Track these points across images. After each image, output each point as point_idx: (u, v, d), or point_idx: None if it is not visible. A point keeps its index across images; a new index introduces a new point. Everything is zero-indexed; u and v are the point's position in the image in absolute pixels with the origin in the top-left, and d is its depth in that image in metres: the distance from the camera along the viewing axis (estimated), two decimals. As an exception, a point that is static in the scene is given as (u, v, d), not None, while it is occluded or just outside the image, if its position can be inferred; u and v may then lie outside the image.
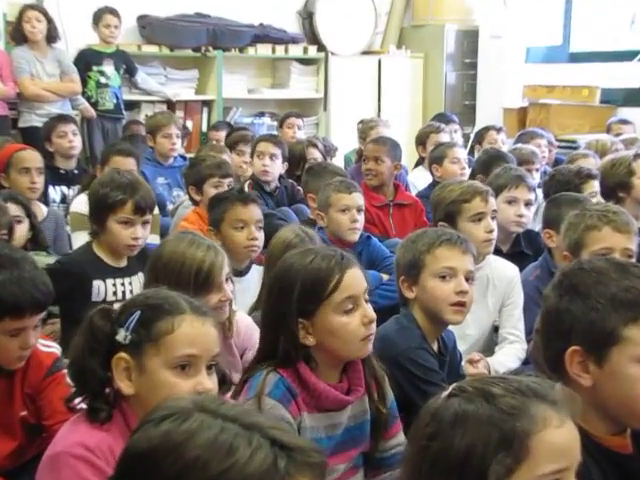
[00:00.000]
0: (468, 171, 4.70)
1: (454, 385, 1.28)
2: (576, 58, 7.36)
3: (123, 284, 3.09)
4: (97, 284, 3.05)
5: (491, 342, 3.13)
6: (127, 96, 6.69)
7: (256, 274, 3.19)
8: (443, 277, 2.42)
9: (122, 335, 1.70)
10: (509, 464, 1.18)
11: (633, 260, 2.70)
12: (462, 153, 4.89)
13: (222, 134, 5.97)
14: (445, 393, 1.27)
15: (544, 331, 1.67)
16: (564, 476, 1.21)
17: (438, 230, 2.57)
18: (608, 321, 1.54)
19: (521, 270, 3.21)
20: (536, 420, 1.20)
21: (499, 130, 5.59)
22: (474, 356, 2.89)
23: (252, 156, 4.76)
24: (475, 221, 3.09)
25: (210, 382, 1.70)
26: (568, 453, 1.22)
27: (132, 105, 6.86)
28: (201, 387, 1.67)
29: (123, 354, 1.69)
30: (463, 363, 2.74)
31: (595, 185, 3.66)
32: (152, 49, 6.96)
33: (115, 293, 3.07)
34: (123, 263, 3.12)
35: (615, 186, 3.93)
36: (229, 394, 1.95)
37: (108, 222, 3.01)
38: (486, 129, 5.60)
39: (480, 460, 1.19)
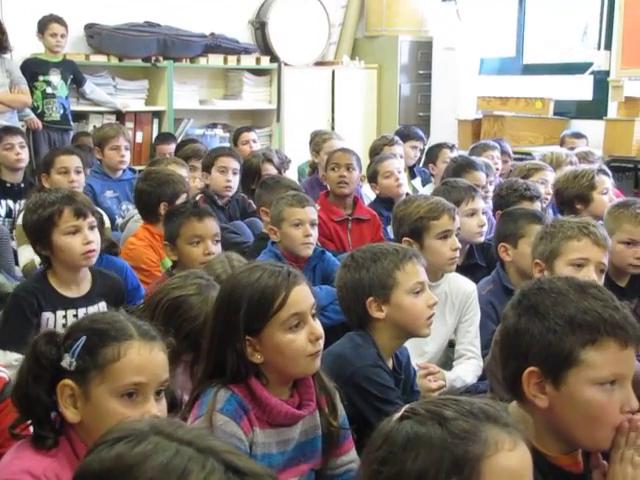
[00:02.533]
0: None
1: (406, 407, 1.27)
2: (529, 70, 7.40)
3: (76, 315, 2.90)
4: (46, 316, 2.90)
5: (447, 358, 3.12)
6: (75, 107, 6.57)
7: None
8: (416, 293, 2.41)
9: (67, 361, 1.66)
10: None
11: (604, 275, 2.76)
12: (394, 165, 4.77)
13: (172, 147, 5.86)
14: (397, 415, 1.26)
15: (502, 350, 1.67)
16: None
17: (391, 246, 2.51)
18: (566, 343, 1.54)
19: (475, 281, 3.21)
20: (488, 444, 1.20)
21: (452, 148, 5.54)
22: (432, 369, 2.86)
23: (207, 169, 4.67)
24: (442, 238, 3.08)
25: (158, 409, 1.66)
26: (520, 476, 1.22)
27: (80, 116, 6.73)
28: (149, 416, 1.61)
29: (68, 381, 1.66)
30: (419, 376, 2.72)
31: (538, 206, 3.66)
32: (100, 59, 6.85)
33: (65, 325, 2.86)
34: (81, 292, 2.96)
35: (574, 198, 3.95)
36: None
37: (54, 238, 2.86)
38: (439, 147, 5.54)
39: None
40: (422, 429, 1.21)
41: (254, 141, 6.19)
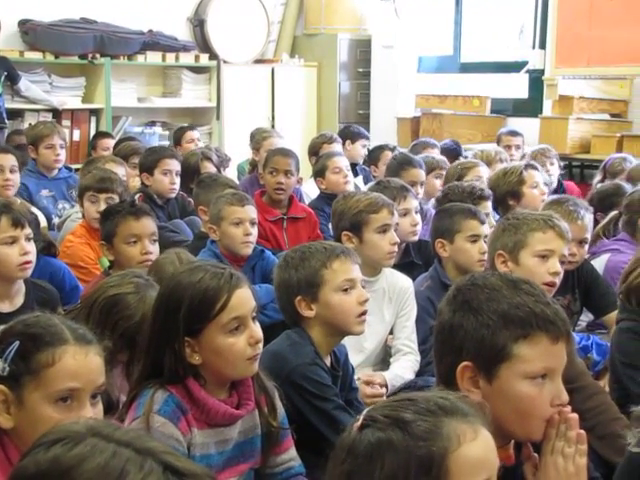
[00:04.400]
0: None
1: (364, 415, 1.27)
2: (467, 68, 7.49)
3: None
4: None
5: (385, 353, 3.14)
6: (10, 104, 6.45)
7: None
8: (345, 290, 2.40)
9: (0, 367, 1.62)
10: None
11: (563, 266, 2.79)
12: (343, 162, 4.85)
13: (109, 144, 5.79)
14: (356, 425, 1.25)
15: (437, 345, 1.69)
16: None
17: (322, 244, 2.52)
18: (499, 338, 1.56)
19: (412, 279, 3.22)
20: (450, 439, 1.21)
21: (393, 149, 5.57)
22: (373, 379, 2.87)
23: (148, 171, 4.61)
24: (381, 232, 3.11)
25: (94, 413, 1.63)
26: (487, 463, 1.24)
27: (15, 114, 6.61)
28: (86, 418, 1.56)
29: (1, 386, 1.62)
30: (359, 382, 2.72)
31: (488, 206, 3.69)
32: (36, 56, 6.74)
33: None
34: (14, 305, 2.87)
35: (506, 194, 4.01)
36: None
37: None
38: (380, 149, 5.57)
39: None
40: (384, 436, 1.22)
41: (198, 139, 6.18)
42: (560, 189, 5.11)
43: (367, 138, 6.11)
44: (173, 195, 4.64)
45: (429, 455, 1.19)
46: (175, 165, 4.64)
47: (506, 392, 1.56)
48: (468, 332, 1.58)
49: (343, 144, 5.81)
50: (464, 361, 1.58)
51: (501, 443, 1.58)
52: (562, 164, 5.47)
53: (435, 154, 5.26)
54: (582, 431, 1.60)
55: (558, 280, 2.69)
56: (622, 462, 1.91)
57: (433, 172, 4.72)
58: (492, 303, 1.58)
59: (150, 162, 4.64)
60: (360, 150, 5.94)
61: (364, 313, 2.43)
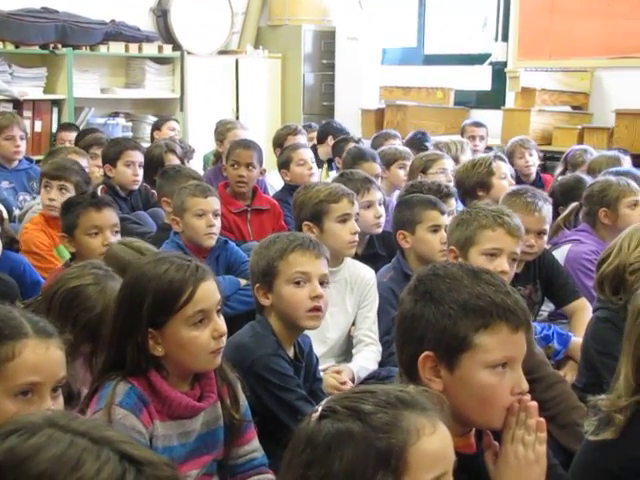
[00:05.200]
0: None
1: (324, 405, 1.27)
2: (430, 60, 7.51)
3: None
4: None
5: (349, 344, 3.14)
6: (-31, 95, 6.35)
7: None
8: (297, 283, 2.40)
9: None
10: None
11: (515, 264, 2.79)
12: (308, 154, 4.86)
13: (72, 135, 5.73)
14: (315, 415, 1.25)
15: (399, 335, 1.69)
16: None
17: (290, 235, 2.53)
18: (459, 327, 1.57)
19: (376, 270, 3.23)
20: (410, 432, 1.21)
21: (358, 141, 5.58)
22: (342, 375, 2.86)
23: (111, 162, 4.57)
24: (341, 222, 3.12)
25: (54, 407, 1.60)
26: (444, 458, 1.25)
27: (-25, 105, 6.51)
28: (43, 409, 1.55)
29: None
30: (324, 375, 2.72)
31: (453, 203, 3.70)
32: (-5, 45, 6.64)
33: None
34: None
35: (475, 185, 4.04)
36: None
37: None
38: (344, 141, 5.57)
39: None
40: (343, 427, 1.22)
41: (179, 131, 6.22)
42: (539, 181, 5.14)
43: (348, 134, 6.10)
44: (136, 187, 4.62)
45: (388, 447, 1.20)
46: (138, 157, 4.61)
47: (467, 381, 1.57)
48: (429, 322, 1.58)
49: (324, 140, 5.82)
50: (425, 351, 1.58)
51: (462, 432, 1.61)
52: (541, 155, 5.50)
53: (397, 145, 5.28)
54: (542, 419, 1.61)
55: (507, 279, 2.63)
56: (579, 450, 1.94)
57: (396, 163, 4.73)
58: (453, 293, 1.59)
59: (113, 153, 4.60)
60: None
61: (317, 309, 2.41)
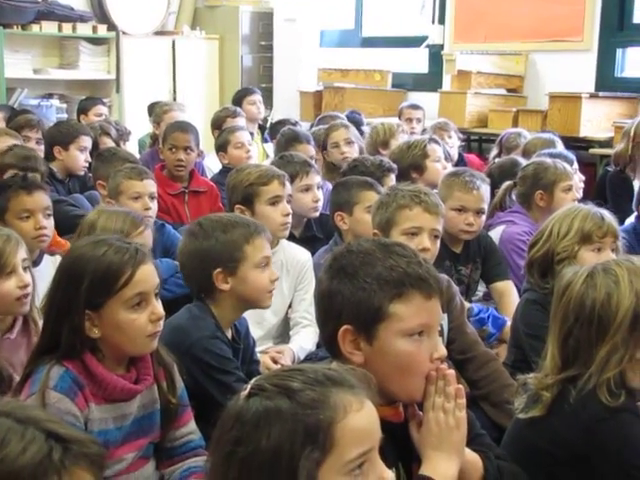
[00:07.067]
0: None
1: (252, 384, 1.28)
2: (368, 43, 7.52)
3: None
4: None
5: (286, 326, 3.16)
6: None
7: (50, 264, 3.04)
8: (263, 267, 2.42)
9: None
10: (317, 457, 1.21)
11: (438, 241, 2.81)
12: (246, 137, 4.86)
13: (3, 116, 5.60)
14: (244, 393, 1.27)
15: (319, 313, 1.73)
16: (369, 457, 1.26)
17: (239, 218, 2.51)
18: (375, 299, 1.60)
19: (314, 254, 3.24)
20: (337, 409, 1.24)
21: (295, 124, 5.58)
22: (283, 356, 2.88)
23: (65, 145, 4.50)
24: (272, 204, 3.12)
25: None
26: (370, 434, 1.27)
27: None
28: None
29: None
30: (262, 356, 2.74)
31: (393, 178, 3.74)
32: None
33: None
34: None
35: (409, 167, 4.08)
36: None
37: None
38: (282, 123, 5.57)
39: (288, 458, 1.20)
40: (271, 404, 1.23)
41: (106, 115, 6.13)
42: (461, 162, 5.22)
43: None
44: (82, 173, 4.57)
45: (316, 423, 1.22)
46: (90, 143, 4.60)
47: (386, 351, 1.60)
48: (345, 297, 1.61)
49: None
50: (344, 325, 1.61)
51: (388, 401, 1.63)
52: (461, 136, 5.58)
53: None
54: (460, 386, 1.66)
55: (430, 255, 2.68)
56: (509, 427, 1.99)
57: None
58: (366, 267, 1.62)
59: (66, 136, 4.56)
60: None
61: (273, 289, 2.47)
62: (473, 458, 1.70)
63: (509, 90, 6.35)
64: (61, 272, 1.97)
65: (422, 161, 4.14)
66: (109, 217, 2.83)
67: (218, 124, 5.49)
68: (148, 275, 1.94)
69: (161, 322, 1.97)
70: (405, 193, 2.80)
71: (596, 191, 4.87)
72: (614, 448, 1.75)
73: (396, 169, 3.84)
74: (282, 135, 4.73)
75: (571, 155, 4.24)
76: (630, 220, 3.73)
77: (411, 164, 4.12)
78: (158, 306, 1.97)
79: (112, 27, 7.36)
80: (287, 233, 3.18)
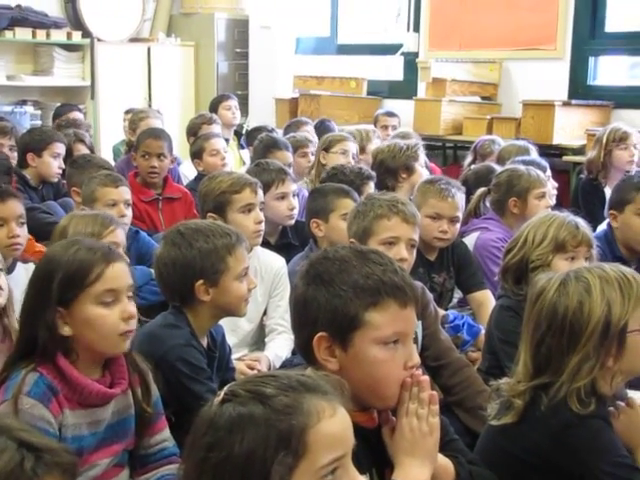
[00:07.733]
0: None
1: (225, 390, 1.28)
2: (344, 50, 7.55)
3: None
4: None
5: (261, 333, 3.15)
6: None
7: (23, 272, 3.02)
8: (242, 277, 2.42)
9: None
10: (290, 463, 1.21)
11: (415, 250, 2.82)
12: (221, 144, 4.86)
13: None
14: (218, 399, 1.27)
15: (294, 320, 1.73)
16: (342, 463, 1.26)
17: (224, 228, 2.48)
18: (350, 307, 1.60)
19: (289, 261, 3.24)
20: (310, 414, 1.24)
21: (271, 131, 5.58)
22: (258, 364, 2.87)
23: (38, 151, 4.47)
24: (245, 212, 3.11)
25: None
26: (343, 440, 1.28)
27: None
28: None
29: None
30: (237, 363, 2.73)
31: (372, 186, 3.75)
32: None
33: None
34: None
35: (400, 167, 4.14)
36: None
37: None
38: (258, 130, 5.56)
39: (261, 464, 1.20)
40: (244, 410, 1.23)
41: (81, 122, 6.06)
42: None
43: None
44: (56, 180, 4.55)
45: (289, 429, 1.22)
46: (63, 150, 4.57)
47: (361, 359, 1.60)
48: (321, 304, 1.61)
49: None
50: (319, 332, 1.61)
51: (361, 407, 1.64)
52: (425, 144, 5.59)
53: (310, 131, 5.32)
54: (434, 392, 1.66)
55: (407, 265, 2.68)
56: (482, 433, 2.00)
57: (298, 151, 4.77)
58: (343, 274, 1.62)
59: (39, 143, 4.53)
60: None
61: (249, 297, 2.47)
62: (445, 463, 1.71)
63: (483, 98, 6.39)
64: (35, 272, 2.00)
65: (413, 163, 4.18)
66: (79, 221, 2.83)
67: (193, 131, 5.48)
68: (120, 272, 1.95)
69: (134, 321, 1.97)
70: (382, 202, 2.79)
71: (572, 199, 4.92)
72: (584, 454, 1.77)
73: (375, 177, 3.84)
74: (260, 141, 4.72)
75: (544, 162, 4.28)
76: (602, 227, 3.76)
77: (403, 164, 4.16)
78: (130, 305, 1.96)
79: (87, 34, 7.33)
80: (260, 240, 3.17)
